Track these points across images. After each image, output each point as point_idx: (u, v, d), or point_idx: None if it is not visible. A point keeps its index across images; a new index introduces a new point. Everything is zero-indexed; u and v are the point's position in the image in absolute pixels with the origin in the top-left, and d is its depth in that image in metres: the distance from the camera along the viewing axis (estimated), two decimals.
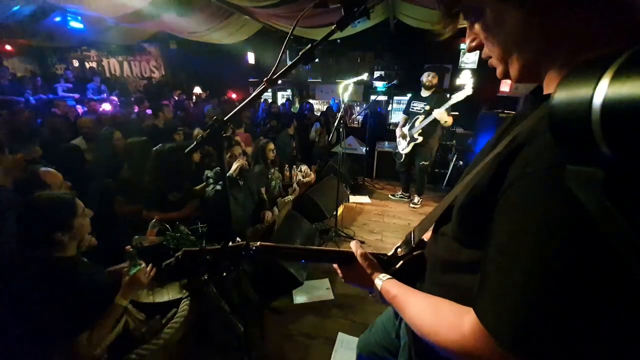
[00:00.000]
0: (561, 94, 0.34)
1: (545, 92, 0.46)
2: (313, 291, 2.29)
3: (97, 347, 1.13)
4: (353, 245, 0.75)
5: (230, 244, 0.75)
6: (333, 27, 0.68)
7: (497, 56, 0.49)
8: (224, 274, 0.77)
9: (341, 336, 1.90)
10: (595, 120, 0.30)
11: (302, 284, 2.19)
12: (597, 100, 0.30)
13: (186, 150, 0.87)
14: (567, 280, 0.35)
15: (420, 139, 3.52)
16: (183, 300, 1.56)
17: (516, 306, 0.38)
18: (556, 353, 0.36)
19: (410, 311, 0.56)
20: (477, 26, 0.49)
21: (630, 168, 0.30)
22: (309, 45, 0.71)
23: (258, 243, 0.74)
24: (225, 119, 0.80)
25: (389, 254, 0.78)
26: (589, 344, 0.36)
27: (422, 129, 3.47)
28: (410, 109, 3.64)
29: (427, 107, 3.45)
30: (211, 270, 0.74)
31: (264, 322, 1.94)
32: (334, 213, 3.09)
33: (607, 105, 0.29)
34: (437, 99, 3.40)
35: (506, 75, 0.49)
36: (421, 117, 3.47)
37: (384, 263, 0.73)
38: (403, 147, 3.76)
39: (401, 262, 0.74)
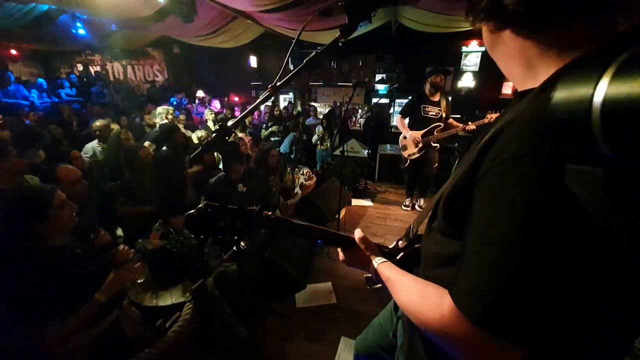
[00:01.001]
0: (561, 93, 0.34)
1: (520, 89, 0.49)
2: (316, 295, 2.29)
3: (69, 337, 1.15)
4: (356, 232, 0.78)
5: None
6: (337, 35, 0.69)
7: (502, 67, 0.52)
8: (235, 237, 0.81)
9: (344, 340, 1.90)
10: (595, 119, 0.30)
11: (304, 287, 2.19)
12: (597, 99, 0.30)
13: (191, 156, 0.89)
14: (537, 263, 0.36)
15: (437, 145, 3.37)
16: (186, 304, 1.56)
17: (487, 284, 0.40)
18: (523, 332, 0.38)
19: (400, 292, 0.59)
20: None
21: (630, 167, 0.31)
22: (314, 53, 0.71)
23: (270, 213, 0.78)
24: (229, 124, 0.81)
25: (391, 246, 0.81)
26: (557, 327, 0.38)
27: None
28: (423, 114, 3.34)
29: (444, 114, 3.27)
30: (227, 228, 0.80)
31: (266, 326, 1.93)
32: (336, 216, 3.09)
33: (607, 104, 0.29)
34: (447, 103, 3.30)
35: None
36: (442, 125, 3.27)
37: (385, 255, 0.76)
38: (411, 152, 3.45)
39: (401, 253, 0.76)
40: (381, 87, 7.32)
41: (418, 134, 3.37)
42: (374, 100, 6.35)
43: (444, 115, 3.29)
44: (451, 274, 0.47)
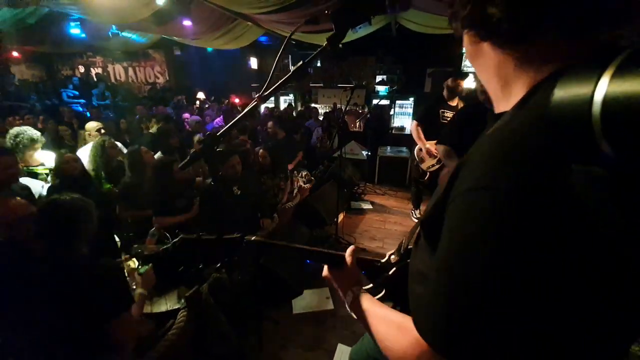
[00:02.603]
0: (561, 93, 0.33)
1: (496, 111, 0.47)
2: (312, 300, 2.26)
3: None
4: (348, 249, 0.75)
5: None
6: (324, 44, 0.67)
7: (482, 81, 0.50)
8: (218, 264, 0.80)
9: (341, 347, 1.87)
10: (595, 118, 0.29)
11: (300, 292, 2.17)
12: (598, 98, 0.29)
13: (179, 165, 0.87)
14: (491, 297, 0.35)
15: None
16: (181, 311, 1.55)
17: (445, 314, 0.39)
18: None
19: (377, 330, 0.56)
20: None
21: (632, 167, 0.30)
22: (301, 62, 0.70)
23: (252, 237, 0.76)
24: (217, 134, 0.80)
25: (383, 260, 0.79)
26: (514, 355, 0.37)
27: None
28: (442, 120, 3.05)
29: None
30: (206, 259, 0.79)
31: (262, 333, 1.91)
32: (335, 219, 3.07)
33: (607, 102, 0.29)
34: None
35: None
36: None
37: (378, 269, 0.73)
38: (430, 164, 3.13)
39: (394, 269, 0.73)
40: (381, 89, 7.31)
41: (434, 144, 3.04)
42: (374, 101, 6.32)
43: None
44: None
